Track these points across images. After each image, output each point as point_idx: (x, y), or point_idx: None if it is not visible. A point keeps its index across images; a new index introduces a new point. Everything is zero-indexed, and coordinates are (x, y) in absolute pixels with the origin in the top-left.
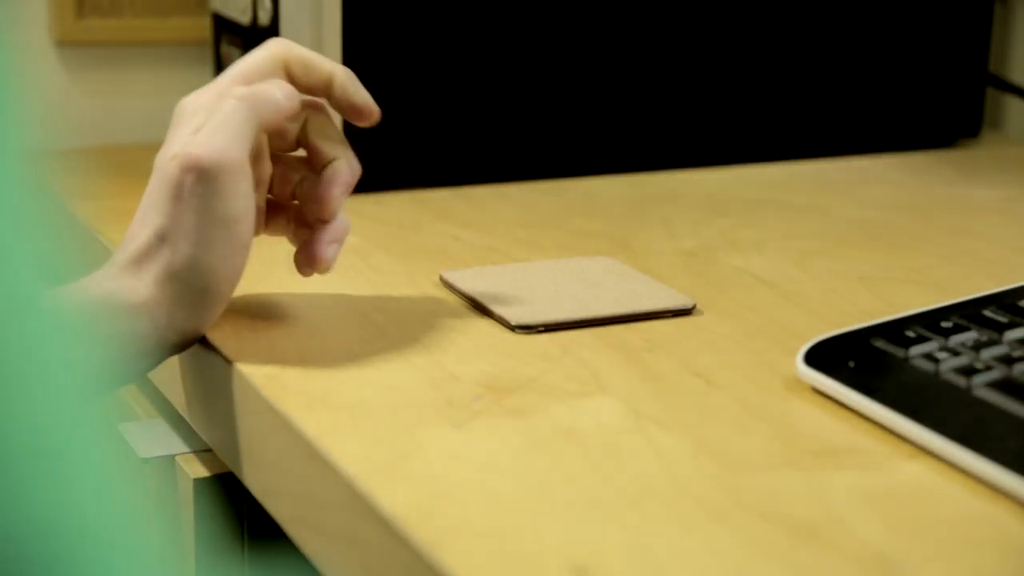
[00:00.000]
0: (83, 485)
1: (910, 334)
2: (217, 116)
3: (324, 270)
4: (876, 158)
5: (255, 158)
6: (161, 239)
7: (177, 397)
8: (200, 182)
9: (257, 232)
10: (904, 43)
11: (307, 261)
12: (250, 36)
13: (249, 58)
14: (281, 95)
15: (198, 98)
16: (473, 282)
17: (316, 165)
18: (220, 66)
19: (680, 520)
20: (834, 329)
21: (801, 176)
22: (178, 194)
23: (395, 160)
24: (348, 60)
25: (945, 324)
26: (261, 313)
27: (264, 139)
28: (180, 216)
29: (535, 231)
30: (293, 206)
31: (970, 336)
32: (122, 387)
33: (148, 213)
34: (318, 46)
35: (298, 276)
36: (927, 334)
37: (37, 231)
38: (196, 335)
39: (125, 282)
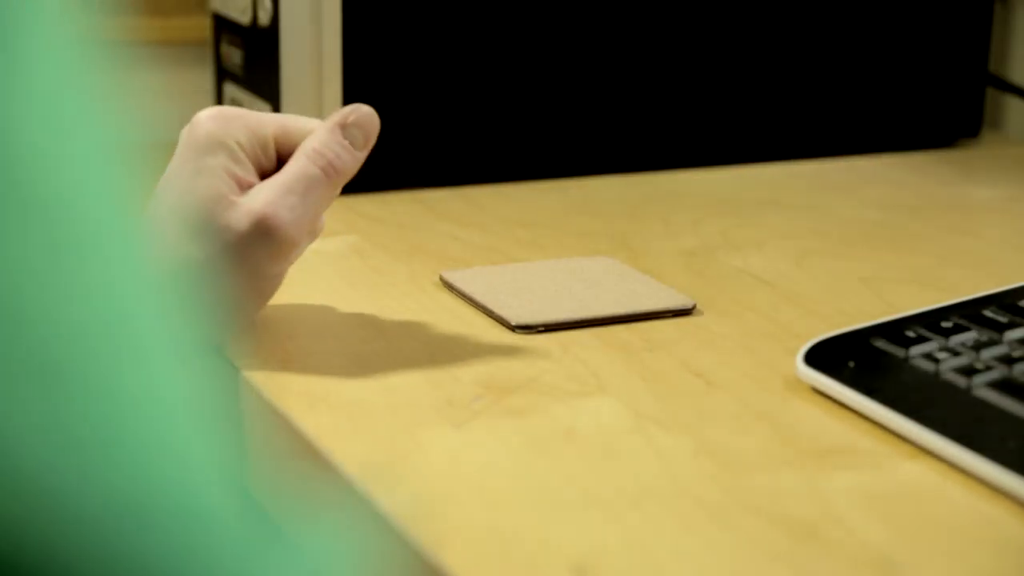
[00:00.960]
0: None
1: (910, 334)
2: (302, 183)
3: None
4: (876, 158)
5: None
6: (188, 270)
7: None
8: (267, 244)
9: None
10: (904, 43)
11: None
12: (250, 36)
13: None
14: (352, 164)
15: (228, 126)
16: (473, 282)
17: None
18: (220, 66)
19: (680, 520)
20: (834, 329)
21: (801, 176)
22: (233, 242)
23: (395, 160)
24: (348, 60)
25: (945, 324)
26: (261, 314)
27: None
28: (224, 260)
29: (535, 231)
30: None
31: (970, 336)
32: None
33: (176, 242)
34: (318, 46)
35: (297, 277)
36: (927, 334)
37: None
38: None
39: None
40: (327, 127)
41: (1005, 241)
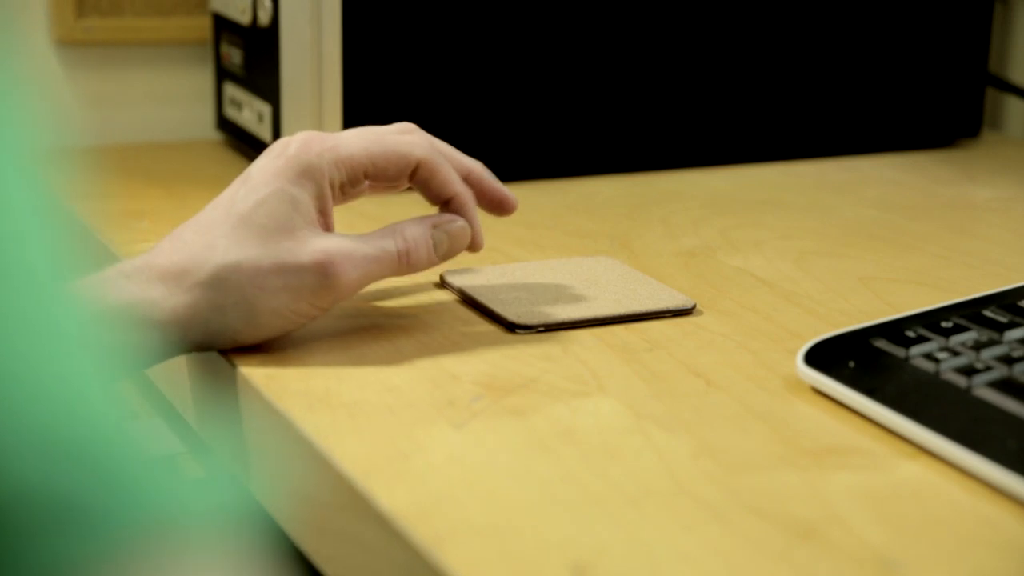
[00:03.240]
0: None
1: (910, 334)
2: (377, 252)
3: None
4: (876, 158)
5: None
6: (229, 272)
7: (178, 397)
8: (316, 285)
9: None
10: (904, 43)
11: (503, 205)
12: (250, 36)
13: (393, 141)
14: (425, 264)
15: (332, 165)
16: (473, 282)
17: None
18: (220, 66)
19: (679, 520)
20: (834, 329)
21: (801, 176)
22: (289, 268)
23: None
24: (348, 60)
25: (945, 324)
26: None
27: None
28: (267, 276)
29: (535, 231)
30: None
31: (970, 336)
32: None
33: (228, 242)
34: (318, 46)
35: None
36: (927, 334)
37: (46, 229)
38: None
39: (158, 292)
40: (425, 221)
41: (1005, 241)
